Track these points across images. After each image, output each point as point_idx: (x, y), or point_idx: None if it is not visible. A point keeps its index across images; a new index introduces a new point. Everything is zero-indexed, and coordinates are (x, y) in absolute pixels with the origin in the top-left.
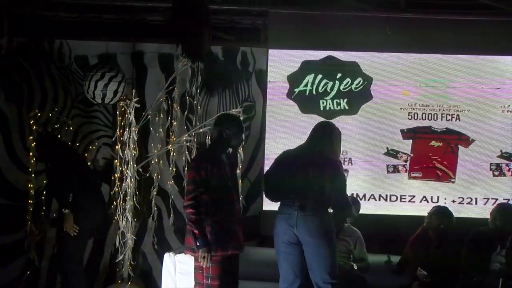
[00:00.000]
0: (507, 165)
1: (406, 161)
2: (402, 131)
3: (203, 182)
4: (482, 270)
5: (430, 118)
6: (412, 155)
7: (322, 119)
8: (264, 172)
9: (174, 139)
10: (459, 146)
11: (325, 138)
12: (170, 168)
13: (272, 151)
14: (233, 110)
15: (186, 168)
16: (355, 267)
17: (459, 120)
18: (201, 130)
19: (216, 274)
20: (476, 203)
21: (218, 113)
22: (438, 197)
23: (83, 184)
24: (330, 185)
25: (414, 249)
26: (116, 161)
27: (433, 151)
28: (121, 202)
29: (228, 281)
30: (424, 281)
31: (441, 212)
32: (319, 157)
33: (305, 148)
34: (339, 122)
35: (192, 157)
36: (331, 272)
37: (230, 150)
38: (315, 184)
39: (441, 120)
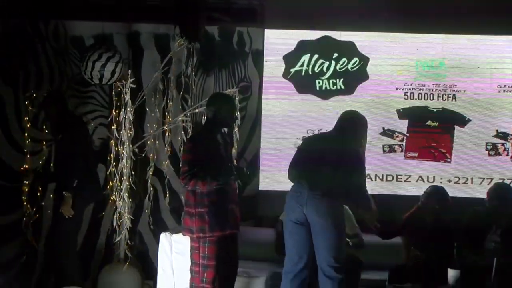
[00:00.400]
0: (502, 144)
1: (402, 141)
2: (398, 111)
3: (198, 163)
4: (478, 250)
5: (426, 98)
6: (408, 135)
7: (318, 99)
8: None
9: (170, 119)
10: (455, 126)
11: (349, 128)
12: (166, 148)
13: (268, 131)
14: (229, 90)
15: (182, 149)
16: (350, 243)
17: (455, 100)
18: (197, 110)
19: (212, 254)
20: (472, 182)
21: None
22: (434, 177)
23: (87, 165)
24: (347, 174)
25: (408, 228)
26: (112, 141)
27: (429, 131)
28: (117, 182)
29: (226, 261)
30: (418, 261)
31: (436, 192)
32: (341, 145)
33: (328, 135)
34: (335, 102)
35: (188, 137)
36: (336, 256)
37: (225, 130)
38: (331, 168)
39: (437, 100)
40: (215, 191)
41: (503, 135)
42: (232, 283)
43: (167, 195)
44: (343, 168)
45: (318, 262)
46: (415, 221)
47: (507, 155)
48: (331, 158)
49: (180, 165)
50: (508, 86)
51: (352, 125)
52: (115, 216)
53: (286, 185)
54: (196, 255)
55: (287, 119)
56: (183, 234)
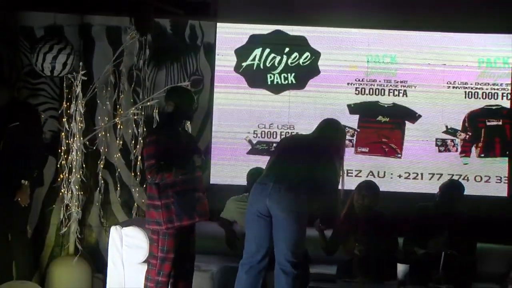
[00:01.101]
0: (452, 141)
1: (353, 136)
2: (349, 106)
3: (163, 156)
4: (425, 245)
5: (377, 93)
6: (359, 130)
7: (270, 94)
8: None
9: (121, 112)
10: (405, 121)
11: (329, 133)
12: (117, 141)
13: (220, 125)
14: (181, 84)
15: (133, 142)
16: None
17: (406, 96)
18: (148, 103)
19: (172, 247)
20: (422, 178)
21: (166, 87)
22: (384, 172)
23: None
24: (318, 170)
25: (345, 223)
26: (62, 133)
27: (380, 126)
28: (67, 175)
29: (183, 253)
30: (359, 255)
31: (366, 187)
32: (316, 144)
33: (306, 135)
34: (286, 96)
35: (139, 130)
36: (294, 250)
37: (188, 122)
38: (301, 163)
39: (388, 95)
40: (180, 181)
41: (452, 131)
42: (191, 276)
43: (118, 189)
44: (314, 164)
45: (276, 255)
46: (351, 216)
47: (456, 151)
48: (303, 154)
49: (145, 159)
50: (458, 82)
51: (331, 130)
52: (62, 209)
53: (238, 179)
54: (155, 248)
55: (238, 112)
56: (148, 227)
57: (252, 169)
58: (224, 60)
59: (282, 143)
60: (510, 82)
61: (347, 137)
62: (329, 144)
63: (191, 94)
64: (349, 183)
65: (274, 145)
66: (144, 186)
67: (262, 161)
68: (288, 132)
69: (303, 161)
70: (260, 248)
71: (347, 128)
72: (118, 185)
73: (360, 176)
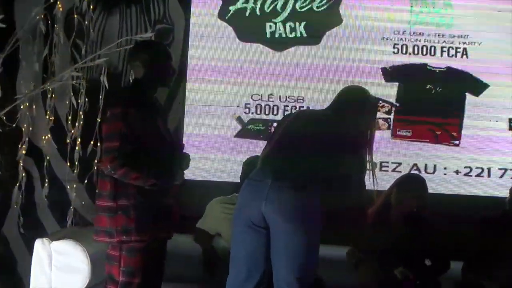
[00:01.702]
0: None
1: (389, 113)
2: (384, 70)
3: (133, 139)
4: (496, 275)
5: (425, 52)
6: (398, 104)
7: (269, 50)
8: None
9: (54, 74)
10: (466, 93)
11: (349, 106)
12: (47, 117)
13: (196, 96)
14: (141, 35)
15: (69, 118)
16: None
17: (467, 57)
18: (94, 62)
19: (138, 267)
20: (489, 175)
21: (120, 39)
22: (434, 166)
23: None
24: (336, 163)
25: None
26: None
27: (429, 100)
28: None
29: (151, 275)
30: (399, 277)
31: (409, 183)
32: (332, 123)
33: (321, 113)
34: (293, 55)
35: (79, 101)
36: (301, 276)
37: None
38: (312, 152)
39: (441, 55)
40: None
41: None
42: None
43: (46, 185)
44: (330, 152)
45: (275, 280)
46: (382, 219)
47: None
48: (315, 138)
49: (104, 139)
50: None
51: (357, 105)
52: None
53: (223, 173)
54: (114, 268)
55: (223, 77)
56: (95, 239)
57: (251, 158)
58: (204, 3)
59: (285, 122)
60: None
61: (380, 114)
62: (351, 123)
63: (166, 51)
64: (384, 181)
65: (274, 125)
66: (86, 181)
67: (255, 148)
68: (295, 107)
69: (314, 148)
70: (251, 274)
71: (380, 101)
72: (47, 180)
73: (399, 171)
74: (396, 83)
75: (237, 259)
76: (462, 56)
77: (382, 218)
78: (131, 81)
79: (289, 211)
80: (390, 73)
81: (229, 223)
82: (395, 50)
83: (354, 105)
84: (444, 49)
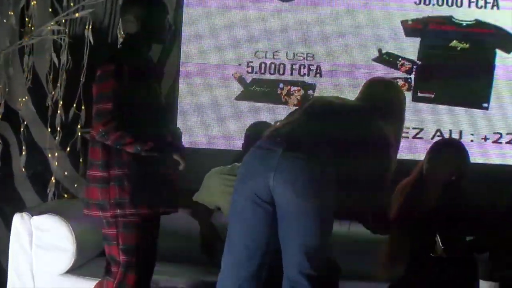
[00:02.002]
0: None
1: (410, 72)
2: (404, 23)
3: (126, 97)
4: None
5: (450, 3)
6: (420, 62)
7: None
8: None
9: (33, 28)
10: (496, 49)
11: (380, 102)
12: (25, 76)
13: (192, 52)
14: None
15: (49, 77)
16: None
17: (498, 8)
18: (77, 14)
19: (138, 244)
20: None
21: None
22: (460, 132)
23: None
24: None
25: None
26: None
27: (454, 57)
28: None
29: (147, 255)
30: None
31: (450, 152)
32: (360, 119)
33: (346, 102)
34: (301, 5)
35: (61, 59)
36: (313, 258)
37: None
38: (331, 123)
39: (469, 7)
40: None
41: None
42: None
43: (24, 153)
44: (355, 152)
45: (284, 265)
46: (413, 195)
47: None
48: (336, 118)
49: (95, 101)
50: None
51: (386, 97)
52: None
53: (222, 139)
54: (114, 249)
55: (222, 31)
56: (86, 213)
57: (255, 124)
58: None
59: (308, 106)
60: None
61: (402, 74)
62: (381, 120)
63: (162, 3)
64: (403, 149)
65: (281, 85)
66: (69, 149)
67: (259, 113)
68: (304, 66)
69: (334, 120)
70: (255, 253)
71: (401, 59)
72: (25, 147)
73: (421, 138)
74: (418, 38)
75: (235, 237)
76: (492, 8)
77: (416, 189)
78: (119, 36)
79: (299, 183)
80: (411, 27)
81: (230, 197)
82: (417, 1)
83: (385, 101)
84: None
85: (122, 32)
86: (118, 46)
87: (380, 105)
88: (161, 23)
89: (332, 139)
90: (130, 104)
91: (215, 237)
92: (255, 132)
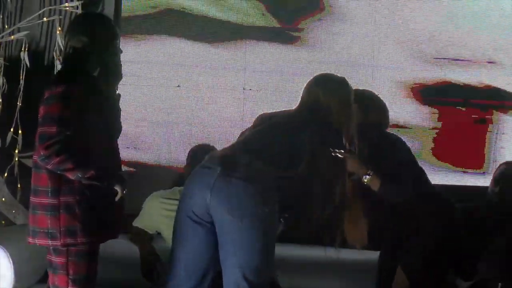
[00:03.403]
0: None
1: None
2: None
3: (74, 123)
4: (473, 274)
5: None
6: None
7: None
8: None
9: None
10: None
11: (315, 104)
12: None
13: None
14: (67, 4)
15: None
16: None
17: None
18: (12, 37)
19: (89, 274)
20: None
21: (41, 9)
22: None
23: None
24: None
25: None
26: None
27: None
28: None
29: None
30: None
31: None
32: (294, 129)
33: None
34: None
35: None
36: (253, 276)
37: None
38: (272, 137)
39: None
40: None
41: None
42: None
43: None
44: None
45: (224, 284)
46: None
47: None
48: (274, 133)
49: (40, 123)
50: None
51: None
52: None
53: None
54: (61, 278)
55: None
56: (31, 242)
57: (198, 147)
58: None
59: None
60: None
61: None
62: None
63: (111, 23)
64: None
65: None
66: (6, 174)
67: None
68: None
69: (275, 135)
70: (195, 273)
71: None
72: None
73: None
74: None
75: (175, 257)
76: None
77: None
78: (56, 58)
79: (234, 203)
80: None
81: (170, 221)
82: None
83: (320, 102)
84: None
85: (63, 51)
86: (55, 68)
87: (315, 107)
88: (109, 41)
89: (270, 156)
90: (77, 129)
91: (156, 261)
92: (197, 153)
